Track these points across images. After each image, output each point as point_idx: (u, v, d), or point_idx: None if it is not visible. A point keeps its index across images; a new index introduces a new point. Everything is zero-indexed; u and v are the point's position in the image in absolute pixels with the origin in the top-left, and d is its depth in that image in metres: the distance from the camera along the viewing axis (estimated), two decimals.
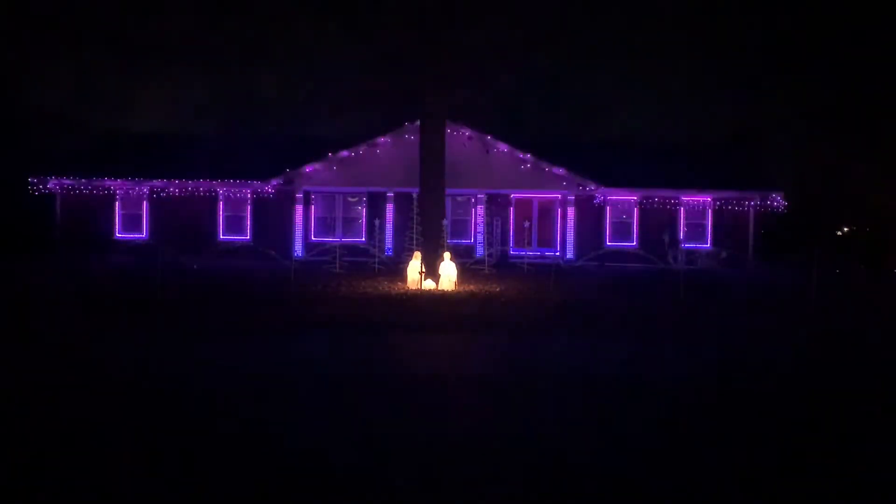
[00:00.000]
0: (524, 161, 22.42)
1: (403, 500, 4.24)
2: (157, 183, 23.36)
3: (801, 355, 8.92)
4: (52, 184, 23.22)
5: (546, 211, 23.45)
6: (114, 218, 23.45)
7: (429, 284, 15.19)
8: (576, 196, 22.78)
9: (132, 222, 23.40)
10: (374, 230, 19.94)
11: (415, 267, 15.53)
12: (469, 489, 4.39)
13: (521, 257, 19.65)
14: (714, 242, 22.85)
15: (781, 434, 5.59)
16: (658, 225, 22.98)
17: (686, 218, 24.11)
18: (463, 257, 18.36)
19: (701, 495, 4.38)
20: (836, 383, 7.35)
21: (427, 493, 4.33)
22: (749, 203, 23.69)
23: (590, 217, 23.35)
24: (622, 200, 24.01)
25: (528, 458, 4.96)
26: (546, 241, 22.72)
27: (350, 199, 23.14)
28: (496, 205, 22.23)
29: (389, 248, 21.58)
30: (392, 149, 21.58)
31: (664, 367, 8.05)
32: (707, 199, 23.88)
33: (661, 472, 4.73)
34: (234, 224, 23.12)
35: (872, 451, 5.22)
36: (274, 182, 22.11)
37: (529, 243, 20.41)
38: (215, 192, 23.38)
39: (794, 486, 4.52)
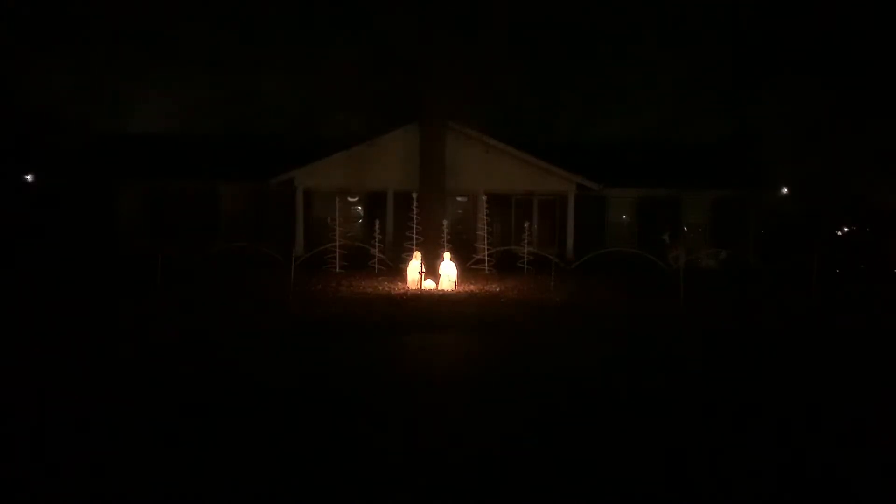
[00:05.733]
0: (524, 161, 22.39)
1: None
2: (156, 183, 23.34)
3: (800, 356, 8.90)
4: (51, 183, 23.20)
5: (546, 211, 23.42)
6: (114, 218, 23.40)
7: (429, 284, 15.17)
8: (576, 196, 22.76)
9: (132, 222, 23.35)
10: (374, 230, 19.91)
11: (415, 267, 15.52)
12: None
13: (521, 257, 19.62)
14: (714, 242, 22.84)
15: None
16: (658, 225, 22.98)
17: (686, 218, 24.11)
18: (463, 257, 18.33)
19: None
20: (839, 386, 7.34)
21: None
22: (749, 203, 23.68)
23: (590, 217, 23.33)
24: (622, 200, 24.01)
25: (528, 460, 4.95)
26: (546, 241, 22.69)
27: (350, 199, 23.11)
28: (496, 205, 22.19)
29: (389, 249, 21.55)
30: (392, 149, 21.54)
31: (663, 368, 8.04)
32: (707, 199, 23.87)
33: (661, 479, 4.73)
34: (234, 224, 23.08)
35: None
36: (274, 182, 22.09)
37: (529, 243, 20.37)
38: (215, 191, 23.36)
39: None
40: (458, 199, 22.65)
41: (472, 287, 15.50)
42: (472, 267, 19.00)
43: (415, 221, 18.23)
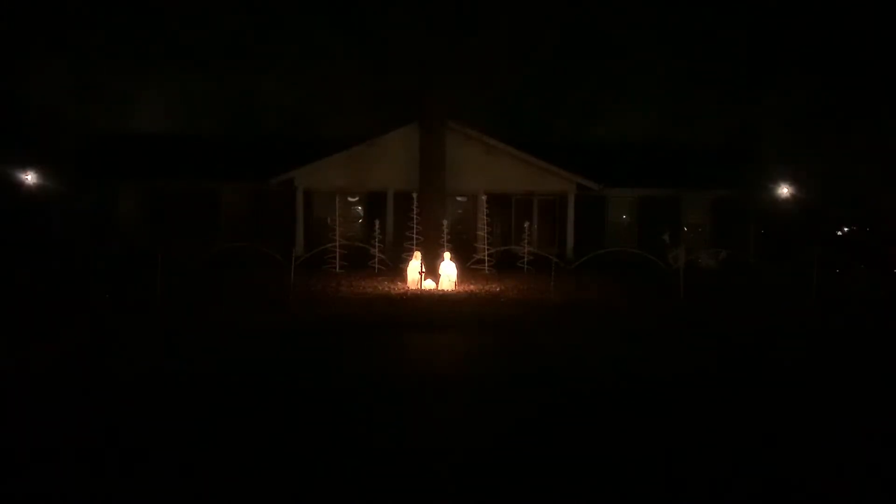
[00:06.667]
0: (524, 161, 22.39)
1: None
2: (156, 183, 23.33)
3: (799, 356, 8.90)
4: (51, 183, 23.20)
5: (546, 211, 23.41)
6: (114, 218, 23.39)
7: (429, 284, 15.18)
8: (576, 196, 22.76)
9: (132, 222, 23.35)
10: (373, 230, 19.91)
11: (415, 267, 15.53)
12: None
13: (521, 257, 19.62)
14: (714, 242, 22.84)
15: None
16: (658, 225, 22.98)
17: (686, 218, 24.12)
18: (463, 257, 18.33)
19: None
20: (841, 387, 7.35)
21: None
22: (749, 203, 23.68)
23: (590, 217, 23.34)
24: (622, 200, 24.02)
25: (524, 460, 4.96)
26: (546, 241, 22.69)
27: (350, 199, 23.11)
28: (496, 205, 22.19)
29: (389, 249, 21.54)
30: (392, 149, 21.55)
31: (663, 368, 8.04)
32: (707, 199, 23.88)
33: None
34: (234, 224, 23.08)
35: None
36: (274, 182, 22.08)
37: (529, 243, 20.36)
38: (215, 191, 23.36)
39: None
40: (458, 199, 22.64)
41: (472, 287, 15.51)
42: (472, 267, 19.00)
43: (415, 221, 18.23)
